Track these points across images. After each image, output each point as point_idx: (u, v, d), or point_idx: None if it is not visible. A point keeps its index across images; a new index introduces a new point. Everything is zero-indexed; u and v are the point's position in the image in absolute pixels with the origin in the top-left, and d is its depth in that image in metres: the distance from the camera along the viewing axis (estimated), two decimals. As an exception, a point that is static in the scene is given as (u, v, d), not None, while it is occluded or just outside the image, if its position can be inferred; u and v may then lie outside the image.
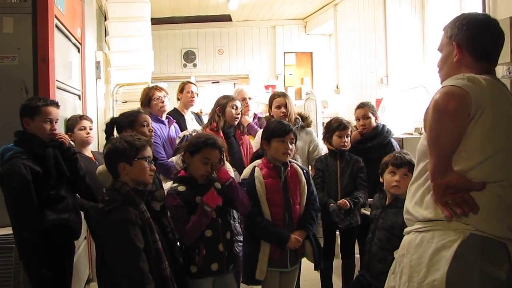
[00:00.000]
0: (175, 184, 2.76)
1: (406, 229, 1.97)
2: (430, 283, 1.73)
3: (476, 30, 1.86)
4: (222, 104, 3.81)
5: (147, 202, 2.44)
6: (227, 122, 3.78)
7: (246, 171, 3.10)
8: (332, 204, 3.59)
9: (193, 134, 4.11)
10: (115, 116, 4.95)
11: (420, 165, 1.91)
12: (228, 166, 3.25)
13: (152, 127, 3.31)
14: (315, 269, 3.11)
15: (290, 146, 2.97)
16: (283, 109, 3.92)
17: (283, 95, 4.05)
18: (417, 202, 1.88)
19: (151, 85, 4.72)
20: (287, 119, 3.76)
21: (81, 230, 3.09)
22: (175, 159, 3.60)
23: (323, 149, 4.39)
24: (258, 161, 3.08)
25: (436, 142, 1.75)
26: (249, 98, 4.66)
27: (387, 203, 2.94)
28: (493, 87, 1.78)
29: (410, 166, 2.83)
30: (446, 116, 1.70)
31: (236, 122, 3.82)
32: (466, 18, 1.89)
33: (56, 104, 2.89)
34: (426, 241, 1.79)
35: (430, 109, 1.74)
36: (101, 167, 2.87)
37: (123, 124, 3.12)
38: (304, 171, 3.11)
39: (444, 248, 1.73)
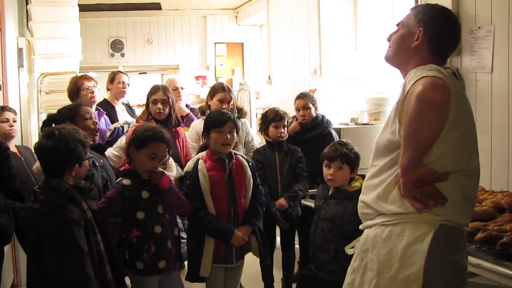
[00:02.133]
0: (120, 178, 2.62)
1: (365, 223, 1.92)
2: (405, 278, 1.70)
3: (446, 28, 1.86)
4: (147, 99, 3.67)
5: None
6: (154, 118, 3.59)
7: (189, 164, 2.96)
8: (274, 209, 3.56)
9: (125, 126, 3.96)
10: (39, 107, 4.68)
11: (379, 161, 1.87)
12: (171, 161, 3.13)
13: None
14: (261, 264, 3.06)
15: (229, 136, 2.87)
16: (224, 105, 3.78)
17: (229, 90, 3.89)
18: (380, 197, 1.83)
19: (79, 74, 4.47)
20: None
21: (12, 234, 2.83)
22: (108, 153, 3.42)
23: (258, 140, 4.36)
24: (202, 153, 2.96)
25: (415, 135, 1.70)
26: (181, 88, 4.53)
27: (329, 193, 2.93)
28: (453, 79, 1.80)
29: (343, 157, 2.83)
30: (432, 108, 1.66)
31: (162, 117, 3.59)
32: (441, 11, 1.88)
33: None
34: (396, 235, 1.76)
35: (413, 101, 1.68)
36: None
37: (62, 120, 2.86)
38: (250, 163, 3.03)
39: (417, 241, 1.71)
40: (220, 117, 2.91)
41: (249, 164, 3.01)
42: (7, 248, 3.74)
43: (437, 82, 1.67)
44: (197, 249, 2.81)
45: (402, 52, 1.89)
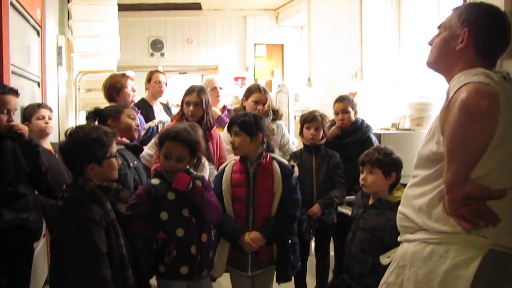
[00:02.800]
0: (152, 178, 2.62)
1: (405, 236, 1.78)
2: None
3: (494, 27, 1.69)
4: (182, 99, 3.62)
5: (112, 203, 2.22)
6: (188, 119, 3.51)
7: (223, 166, 2.93)
8: (304, 217, 3.40)
9: (159, 125, 3.92)
10: (77, 105, 4.71)
11: (422, 172, 1.72)
12: (205, 164, 3.06)
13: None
14: (276, 281, 2.91)
15: (232, 139, 2.80)
16: (259, 106, 3.69)
17: (265, 91, 3.78)
18: (422, 211, 1.69)
19: (117, 73, 4.47)
20: None
21: (42, 231, 2.83)
22: (142, 152, 3.38)
23: (294, 143, 4.25)
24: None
25: (460, 148, 1.53)
26: (220, 88, 4.47)
27: (369, 203, 2.79)
28: (503, 83, 1.61)
29: (374, 162, 2.70)
30: (477, 118, 1.49)
31: (194, 120, 3.48)
32: (487, 9, 1.71)
33: (15, 92, 2.62)
34: (439, 255, 1.61)
35: (456, 110, 1.52)
36: None
37: (107, 115, 2.90)
38: (288, 170, 2.86)
39: (461, 266, 1.55)
40: (232, 119, 2.86)
41: (286, 171, 2.84)
42: (41, 245, 3.79)
43: (483, 88, 1.51)
44: (216, 250, 2.78)
45: (446, 56, 1.75)
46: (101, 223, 2.06)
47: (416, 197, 1.73)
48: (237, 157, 2.86)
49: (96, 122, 2.90)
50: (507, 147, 1.55)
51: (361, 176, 2.75)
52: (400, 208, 1.84)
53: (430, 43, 1.83)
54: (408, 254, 1.72)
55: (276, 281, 2.91)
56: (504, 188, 1.55)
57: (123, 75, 4.13)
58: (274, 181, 2.80)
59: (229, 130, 2.86)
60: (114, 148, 2.24)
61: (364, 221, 2.74)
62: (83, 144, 2.14)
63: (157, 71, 4.77)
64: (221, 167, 2.92)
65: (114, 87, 3.97)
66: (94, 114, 2.96)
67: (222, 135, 3.80)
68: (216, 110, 4.33)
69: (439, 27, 1.82)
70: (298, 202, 2.90)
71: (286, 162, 2.96)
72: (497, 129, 1.52)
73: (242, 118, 2.80)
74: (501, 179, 1.56)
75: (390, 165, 2.71)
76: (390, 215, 2.56)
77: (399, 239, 1.82)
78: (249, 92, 3.80)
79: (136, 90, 4.09)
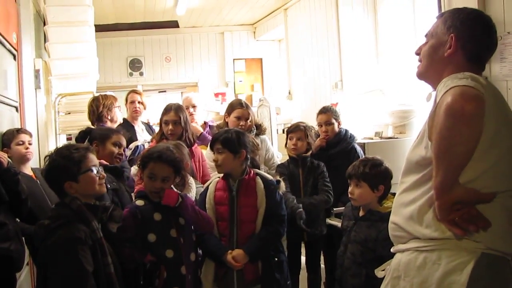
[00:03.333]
0: (135, 200, 2.57)
1: (398, 246, 1.76)
2: None
3: (479, 30, 1.70)
4: (160, 119, 3.61)
5: (103, 222, 2.19)
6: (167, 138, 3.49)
7: (208, 183, 2.88)
8: (300, 210, 3.33)
9: (145, 144, 3.88)
10: (57, 129, 4.64)
11: (411, 177, 1.71)
12: (191, 181, 3.01)
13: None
14: None
15: (213, 155, 2.78)
16: (242, 122, 3.67)
17: (247, 106, 3.77)
18: (413, 219, 1.67)
19: (96, 94, 4.42)
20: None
21: (24, 260, 2.74)
22: (133, 170, 3.37)
23: (278, 157, 4.22)
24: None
25: (448, 153, 1.53)
26: (193, 106, 4.44)
27: (360, 215, 2.76)
28: (492, 87, 1.62)
29: (360, 175, 2.68)
30: (463, 121, 1.49)
31: (173, 138, 3.46)
32: (471, 14, 1.72)
33: None
34: (431, 263, 1.59)
35: (442, 115, 1.52)
36: None
37: (94, 136, 2.93)
38: (272, 186, 2.82)
39: (455, 271, 1.54)
40: (214, 136, 2.83)
41: (269, 186, 2.80)
42: (25, 273, 3.69)
43: (468, 92, 1.51)
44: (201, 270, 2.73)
45: (435, 64, 1.74)
46: (86, 241, 2.02)
47: (406, 205, 1.71)
48: (221, 175, 2.82)
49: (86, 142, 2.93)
50: (496, 151, 1.55)
51: (349, 189, 2.74)
52: (391, 217, 1.82)
53: (418, 53, 1.83)
54: (402, 264, 1.71)
55: None
56: (493, 192, 1.55)
57: (111, 96, 4.12)
58: (257, 197, 2.75)
59: (211, 147, 2.82)
60: (91, 162, 2.19)
61: (356, 234, 2.71)
62: (56, 164, 2.15)
63: (133, 92, 4.71)
64: (205, 185, 2.88)
65: (97, 111, 3.94)
66: (84, 134, 2.99)
67: (206, 152, 3.77)
68: (198, 127, 4.30)
69: (426, 36, 1.82)
70: (283, 218, 2.83)
71: (270, 177, 2.92)
72: (486, 133, 1.51)
73: (224, 135, 2.77)
74: (490, 183, 1.55)
75: (376, 178, 2.69)
76: (382, 227, 2.55)
77: (392, 250, 1.80)
78: (231, 108, 3.79)
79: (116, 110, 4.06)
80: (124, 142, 3.04)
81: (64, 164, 2.13)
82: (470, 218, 1.53)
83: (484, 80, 1.60)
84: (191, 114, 4.34)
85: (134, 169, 3.38)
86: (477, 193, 1.55)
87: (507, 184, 1.56)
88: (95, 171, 2.18)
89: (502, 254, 1.56)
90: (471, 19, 1.70)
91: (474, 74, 1.61)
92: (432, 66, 1.76)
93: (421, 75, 1.82)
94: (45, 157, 2.30)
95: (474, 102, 1.49)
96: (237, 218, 2.72)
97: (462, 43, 1.68)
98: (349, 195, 2.74)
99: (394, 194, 2.46)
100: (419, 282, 1.61)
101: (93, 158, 2.23)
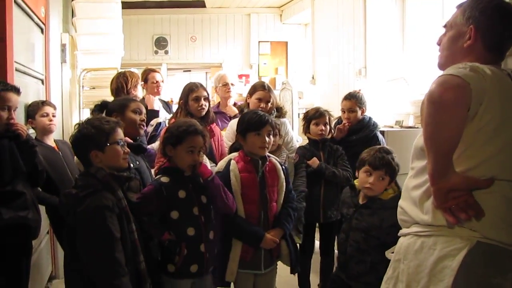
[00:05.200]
0: (158, 176, 2.57)
1: (402, 231, 1.80)
2: None
3: (498, 18, 1.68)
4: (184, 97, 3.54)
5: (123, 192, 2.26)
6: (193, 115, 3.46)
7: (221, 164, 2.87)
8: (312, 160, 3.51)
9: (166, 121, 3.92)
10: (81, 103, 4.72)
11: (418, 163, 1.73)
12: (205, 159, 3.04)
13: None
14: (291, 272, 2.91)
15: (267, 139, 2.76)
16: (263, 104, 3.67)
17: (269, 89, 3.75)
18: (415, 204, 1.70)
19: (120, 70, 4.47)
20: None
21: (40, 228, 2.82)
22: (155, 146, 3.41)
23: (298, 141, 4.22)
24: (234, 154, 2.87)
25: (433, 140, 1.55)
26: (232, 84, 4.42)
27: (360, 202, 2.76)
28: (499, 77, 1.60)
29: (388, 168, 2.66)
30: (442, 109, 1.50)
31: (203, 113, 3.50)
32: (492, 2, 1.69)
33: (16, 90, 2.62)
34: (428, 247, 1.62)
35: (425, 102, 1.54)
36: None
37: (112, 108, 2.84)
38: (283, 167, 2.91)
39: (448, 257, 1.56)
40: (259, 119, 2.78)
41: (282, 168, 2.89)
42: (45, 240, 3.81)
43: (449, 80, 1.51)
44: (224, 252, 2.72)
45: (455, 55, 1.73)
46: (113, 209, 2.10)
47: (411, 190, 1.74)
48: (235, 155, 2.84)
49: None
50: (501, 140, 1.55)
51: (368, 178, 2.69)
52: (400, 201, 1.84)
53: (438, 43, 1.83)
54: (403, 248, 1.74)
55: (291, 273, 2.92)
56: (492, 176, 1.55)
57: (124, 73, 4.18)
58: (279, 179, 2.84)
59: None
60: (118, 136, 2.25)
61: (358, 221, 2.70)
62: (86, 132, 2.20)
63: (152, 70, 4.71)
64: (221, 165, 2.87)
65: (121, 86, 4.02)
66: (101, 107, 2.94)
67: (225, 132, 3.81)
68: (233, 108, 4.32)
69: (444, 26, 1.81)
70: (294, 195, 2.99)
71: (278, 160, 2.99)
72: (490, 121, 1.52)
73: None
74: (489, 171, 1.56)
75: (396, 174, 2.71)
76: (384, 214, 2.55)
77: (399, 233, 1.83)
78: (253, 90, 3.79)
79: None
80: (143, 109, 2.94)
81: (94, 133, 2.19)
82: (466, 207, 1.54)
83: (489, 70, 1.57)
84: (228, 91, 4.35)
85: (156, 145, 3.40)
86: (475, 179, 1.55)
87: (509, 173, 1.57)
88: (120, 146, 2.25)
89: (500, 244, 1.55)
90: (491, 8, 1.68)
91: (481, 64, 1.59)
92: (452, 57, 1.75)
93: (442, 66, 1.81)
94: (75, 125, 2.38)
95: (452, 91, 1.49)
96: (266, 199, 2.77)
97: (481, 33, 1.67)
98: (367, 185, 2.68)
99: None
100: (415, 265, 1.65)
101: (121, 133, 2.29)
